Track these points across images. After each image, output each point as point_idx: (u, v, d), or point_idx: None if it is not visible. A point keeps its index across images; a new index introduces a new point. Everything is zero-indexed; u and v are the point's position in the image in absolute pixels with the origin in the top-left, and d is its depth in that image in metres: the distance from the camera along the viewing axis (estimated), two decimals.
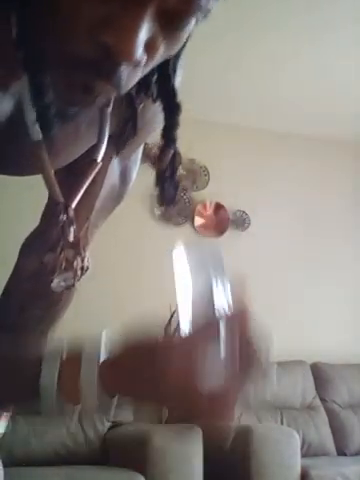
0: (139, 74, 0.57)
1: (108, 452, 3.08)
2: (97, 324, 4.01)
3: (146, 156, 3.48)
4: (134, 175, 0.88)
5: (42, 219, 0.86)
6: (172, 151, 0.71)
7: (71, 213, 0.71)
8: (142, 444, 2.74)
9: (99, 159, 0.73)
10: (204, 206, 4.05)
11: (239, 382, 0.51)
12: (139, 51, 0.52)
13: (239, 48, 3.30)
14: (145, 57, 0.54)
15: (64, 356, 0.53)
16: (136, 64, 0.54)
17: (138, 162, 0.87)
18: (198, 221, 4.02)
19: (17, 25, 0.55)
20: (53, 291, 0.85)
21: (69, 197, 0.71)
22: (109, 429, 3.17)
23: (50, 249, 0.72)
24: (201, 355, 0.50)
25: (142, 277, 3.78)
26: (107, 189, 0.83)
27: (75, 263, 0.72)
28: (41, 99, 0.58)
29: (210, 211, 4.07)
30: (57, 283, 0.73)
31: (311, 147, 4.36)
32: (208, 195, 4.07)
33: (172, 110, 0.68)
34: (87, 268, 0.74)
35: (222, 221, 4.07)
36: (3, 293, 0.86)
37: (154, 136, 0.83)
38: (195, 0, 0.52)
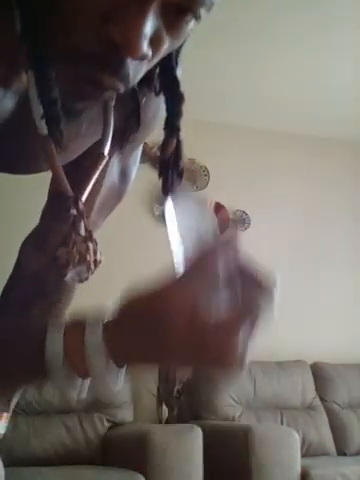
0: (145, 68, 0.58)
1: (108, 452, 3.08)
2: None
3: (146, 156, 3.48)
4: (133, 174, 0.88)
5: (42, 218, 0.86)
6: (175, 140, 0.71)
7: (81, 206, 0.71)
8: (142, 444, 2.74)
9: (106, 153, 0.74)
10: None
11: (243, 307, 0.50)
12: (144, 46, 0.52)
13: (239, 48, 3.30)
14: (150, 51, 0.54)
15: (68, 323, 0.53)
16: (142, 58, 0.54)
17: (137, 161, 0.87)
18: None
19: (21, 21, 0.56)
20: (53, 290, 0.85)
21: (78, 191, 0.71)
22: (109, 429, 3.17)
23: (62, 243, 0.72)
24: (200, 286, 0.49)
25: (142, 277, 3.77)
26: (107, 188, 0.83)
27: (88, 256, 0.72)
28: (48, 94, 0.58)
29: (210, 211, 4.06)
30: (71, 277, 0.73)
31: (311, 147, 4.36)
32: (208, 195, 4.07)
33: (175, 99, 0.69)
34: (100, 261, 0.73)
35: (222, 221, 4.07)
36: (3, 293, 0.86)
37: (154, 136, 0.84)
38: None
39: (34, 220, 0.87)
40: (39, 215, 0.87)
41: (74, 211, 0.70)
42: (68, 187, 0.69)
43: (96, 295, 3.61)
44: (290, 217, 4.20)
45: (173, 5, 0.53)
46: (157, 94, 0.70)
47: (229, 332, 0.49)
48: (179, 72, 0.69)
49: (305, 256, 4.18)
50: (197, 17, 0.55)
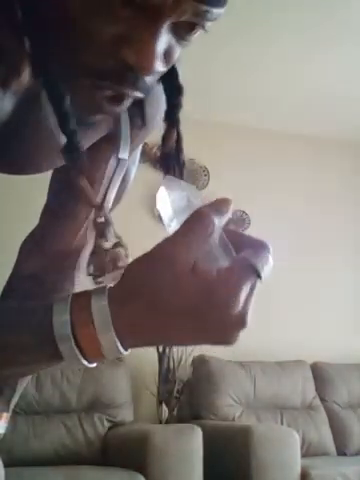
0: (159, 74, 0.60)
1: (108, 452, 3.08)
2: None
3: (146, 156, 3.48)
4: (133, 175, 0.88)
5: (41, 218, 0.86)
6: (176, 132, 0.71)
7: (107, 214, 0.72)
8: (142, 444, 2.74)
9: (121, 156, 0.75)
10: None
11: (242, 265, 0.51)
12: (159, 64, 0.55)
13: (239, 48, 3.31)
14: (164, 66, 0.57)
15: (73, 295, 0.53)
16: (157, 73, 0.57)
17: (137, 162, 0.88)
18: None
19: (30, 40, 0.57)
20: (53, 290, 0.85)
21: (103, 199, 0.72)
22: (109, 429, 3.17)
23: (93, 252, 0.72)
24: (197, 241, 0.50)
25: None
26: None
27: (121, 262, 0.72)
28: (67, 124, 0.59)
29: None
30: (107, 284, 0.73)
31: (311, 147, 4.36)
32: (208, 195, 4.07)
33: (174, 91, 0.70)
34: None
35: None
36: (3, 292, 0.86)
37: (154, 136, 0.84)
38: (206, 13, 0.54)
39: (34, 220, 0.87)
40: (37, 215, 0.87)
41: (101, 219, 0.71)
42: (93, 197, 0.70)
43: None
44: (290, 217, 4.20)
45: (184, 23, 0.55)
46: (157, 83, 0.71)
47: (232, 286, 0.49)
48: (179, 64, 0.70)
49: (305, 256, 4.18)
50: (205, 29, 0.58)
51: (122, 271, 0.68)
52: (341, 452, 3.56)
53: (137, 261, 0.53)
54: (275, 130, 4.23)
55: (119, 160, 0.75)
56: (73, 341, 0.50)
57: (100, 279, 0.72)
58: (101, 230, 0.71)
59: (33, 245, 0.86)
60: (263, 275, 0.52)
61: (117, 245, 0.72)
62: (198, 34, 0.59)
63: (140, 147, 0.86)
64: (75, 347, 0.50)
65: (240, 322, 0.51)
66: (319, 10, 2.93)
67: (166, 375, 3.38)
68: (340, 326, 4.16)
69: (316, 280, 4.18)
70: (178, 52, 0.58)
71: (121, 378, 3.30)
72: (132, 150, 0.83)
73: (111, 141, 0.77)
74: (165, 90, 0.70)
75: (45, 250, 0.82)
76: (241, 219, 4.10)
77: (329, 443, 3.54)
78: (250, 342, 3.81)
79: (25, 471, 2.64)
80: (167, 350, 3.42)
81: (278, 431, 3.10)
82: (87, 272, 0.74)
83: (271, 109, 4.01)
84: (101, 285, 0.53)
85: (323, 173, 4.38)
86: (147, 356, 3.36)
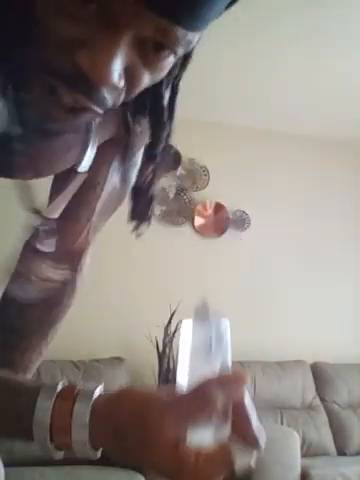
0: (123, 96, 0.57)
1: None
2: (97, 323, 4.01)
3: None
4: (134, 177, 0.88)
5: None
6: (152, 168, 0.70)
7: (52, 225, 0.71)
8: None
9: (80, 169, 0.73)
10: (204, 206, 4.06)
11: (228, 449, 0.51)
12: (114, 76, 0.52)
13: (239, 48, 3.30)
14: (122, 82, 0.54)
15: (60, 392, 0.54)
16: (113, 88, 0.54)
17: (138, 164, 0.88)
18: (198, 221, 4.02)
19: None
20: (55, 293, 0.85)
21: (52, 208, 0.72)
22: None
23: (26, 258, 0.72)
24: (192, 415, 0.50)
25: (142, 277, 3.78)
26: (108, 192, 0.83)
27: (48, 273, 0.73)
28: (13, 114, 0.58)
29: (210, 211, 4.07)
30: (18, 293, 0.74)
31: (311, 147, 4.36)
32: (208, 195, 4.08)
33: (158, 128, 0.69)
34: (57, 280, 0.74)
35: (222, 221, 4.07)
36: (4, 295, 0.87)
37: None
38: (171, 33, 0.52)
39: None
40: None
41: (42, 227, 0.71)
42: (34, 204, 0.70)
43: (97, 295, 3.61)
44: (290, 217, 4.20)
45: (148, 40, 0.53)
46: (144, 117, 0.70)
47: (206, 474, 0.50)
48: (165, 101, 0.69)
49: (305, 256, 4.19)
50: (175, 54, 0.55)
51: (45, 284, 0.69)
52: (341, 452, 3.56)
53: (132, 398, 0.53)
54: (275, 130, 4.23)
55: (76, 173, 0.73)
56: (48, 431, 0.52)
57: (16, 288, 0.73)
58: (38, 237, 0.71)
59: (34, 247, 0.86)
60: (237, 474, 0.52)
61: (53, 256, 0.72)
62: (169, 61, 0.56)
63: (141, 150, 0.86)
64: (48, 436, 0.52)
65: None
66: (319, 10, 2.93)
67: (166, 375, 3.38)
68: (340, 326, 4.16)
69: (316, 280, 4.18)
70: (146, 76, 0.56)
71: (121, 378, 3.30)
72: (133, 155, 0.83)
73: (75, 155, 0.75)
74: (151, 124, 0.69)
75: (46, 252, 0.83)
76: (241, 219, 4.10)
77: (329, 443, 3.54)
78: (250, 342, 3.83)
79: (25, 471, 2.63)
80: (167, 350, 3.42)
81: (278, 431, 3.10)
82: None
83: (271, 109, 4.01)
84: (88, 390, 0.54)
85: (323, 173, 4.38)
86: (147, 356, 3.36)
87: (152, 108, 0.67)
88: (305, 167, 4.34)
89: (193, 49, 0.62)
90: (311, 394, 3.71)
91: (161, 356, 3.41)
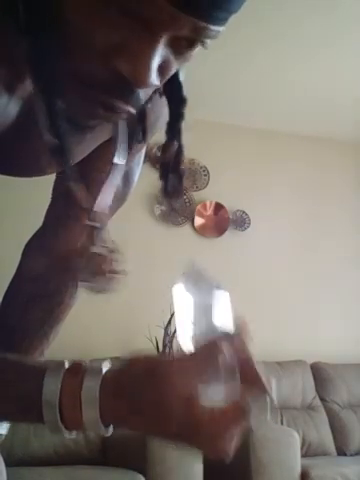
0: (153, 89, 0.59)
1: (108, 452, 3.08)
2: (97, 323, 4.00)
3: (146, 156, 3.48)
4: (137, 176, 0.88)
5: (45, 220, 0.86)
6: (177, 144, 0.71)
7: (97, 218, 0.71)
8: (142, 444, 2.74)
9: (117, 160, 0.74)
10: (204, 206, 4.05)
11: (240, 402, 0.51)
12: (153, 78, 0.53)
13: (239, 48, 3.30)
14: (159, 80, 0.55)
15: (67, 369, 0.53)
16: (150, 88, 0.56)
17: (141, 164, 0.88)
18: (198, 221, 4.02)
19: (29, 43, 0.55)
20: (56, 292, 0.85)
21: (93, 202, 0.72)
22: None
23: (78, 254, 0.72)
24: (202, 373, 0.50)
25: (142, 276, 3.78)
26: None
27: (105, 267, 0.72)
28: (54, 118, 0.58)
29: (210, 211, 4.07)
30: (90, 287, 0.73)
31: (311, 147, 4.36)
32: (208, 195, 4.08)
33: (178, 102, 0.69)
34: (122, 271, 0.74)
35: (222, 221, 4.07)
36: (5, 295, 0.87)
37: (154, 137, 0.84)
38: (205, 30, 0.53)
39: (36, 221, 0.87)
40: (42, 216, 0.87)
41: (89, 222, 0.71)
42: (84, 201, 0.70)
43: (96, 295, 3.60)
44: (290, 217, 4.20)
45: (182, 38, 0.54)
46: (161, 96, 0.70)
47: (221, 429, 0.50)
48: (182, 75, 0.70)
49: (305, 256, 4.19)
50: (205, 46, 0.56)
51: (112, 279, 0.69)
52: (341, 452, 3.55)
53: (141, 363, 0.53)
54: (275, 130, 4.23)
55: (114, 165, 0.74)
56: (58, 410, 0.51)
57: (88, 284, 0.73)
58: (89, 234, 0.71)
59: (36, 247, 0.86)
60: (253, 424, 0.52)
61: (107, 250, 0.72)
62: (197, 51, 0.57)
63: (144, 149, 0.86)
64: (59, 416, 0.51)
65: (221, 453, 0.52)
66: (319, 10, 2.93)
67: None
68: (340, 326, 4.16)
69: (316, 280, 4.18)
70: (174, 67, 0.57)
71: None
72: (135, 153, 0.83)
73: (109, 146, 0.76)
74: (169, 102, 0.69)
75: (48, 252, 0.83)
76: (241, 219, 4.10)
77: (329, 443, 3.54)
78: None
79: (25, 471, 2.64)
80: (167, 350, 3.42)
81: (278, 431, 3.10)
82: (71, 275, 0.74)
83: (271, 109, 4.01)
84: (96, 365, 0.54)
85: (323, 173, 4.38)
86: None
87: (168, 84, 0.67)
88: (305, 167, 4.34)
89: None
90: (311, 394, 3.71)
91: None
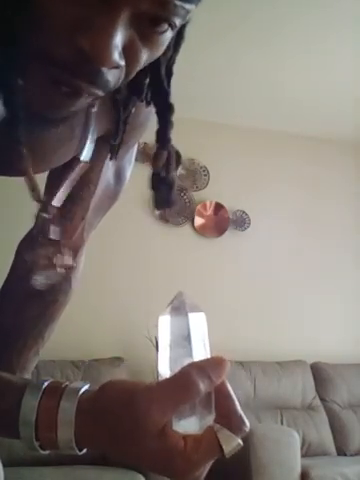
0: (123, 76, 0.57)
1: None
2: (97, 323, 4.00)
3: (146, 156, 3.48)
4: (128, 174, 0.88)
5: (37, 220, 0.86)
6: (166, 152, 0.70)
7: (53, 211, 0.71)
8: None
9: (82, 158, 0.73)
10: (204, 206, 4.06)
11: (214, 432, 0.51)
12: (115, 55, 0.51)
13: (239, 48, 3.30)
14: (123, 61, 0.54)
15: (46, 388, 0.53)
16: (114, 67, 0.54)
17: (132, 162, 0.87)
18: (198, 221, 4.02)
19: None
20: (50, 291, 0.85)
21: (50, 196, 0.71)
22: None
23: (31, 247, 0.72)
24: (177, 403, 0.50)
25: (142, 277, 3.78)
26: (102, 189, 0.83)
27: (55, 260, 0.72)
28: (12, 102, 0.57)
29: (210, 211, 4.07)
30: (39, 280, 0.73)
31: (311, 147, 4.36)
32: (208, 195, 4.08)
33: (165, 111, 0.68)
34: (70, 265, 0.74)
35: (222, 221, 4.07)
36: (0, 293, 0.86)
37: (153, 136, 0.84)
38: (168, 4, 0.52)
39: (29, 220, 0.87)
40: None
41: (44, 215, 0.70)
42: (39, 192, 0.68)
43: (96, 295, 3.61)
44: (290, 217, 4.20)
45: (145, 15, 0.52)
46: (148, 104, 0.69)
47: (193, 463, 0.50)
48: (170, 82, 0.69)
49: (305, 256, 4.19)
50: (172, 27, 0.55)
51: (60, 271, 0.68)
52: (341, 452, 3.56)
53: (117, 389, 0.52)
54: (275, 130, 4.23)
55: (78, 161, 0.73)
56: (34, 429, 0.52)
57: (35, 276, 0.73)
58: (41, 227, 0.71)
59: (29, 245, 0.86)
60: (227, 455, 0.52)
61: (54, 243, 0.72)
62: (166, 36, 0.55)
63: (135, 147, 0.86)
64: (34, 434, 0.52)
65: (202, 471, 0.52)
66: (319, 9, 2.93)
67: None
68: (340, 326, 4.16)
69: (316, 280, 4.19)
70: (144, 53, 0.56)
71: (121, 378, 3.30)
72: (126, 151, 0.83)
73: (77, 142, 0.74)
74: (156, 110, 0.69)
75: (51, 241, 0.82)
76: (241, 219, 4.11)
77: (329, 443, 3.54)
78: (250, 342, 3.83)
79: (25, 471, 2.63)
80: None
81: (278, 431, 3.10)
82: (22, 266, 0.74)
83: (271, 109, 4.01)
84: (75, 386, 0.54)
85: (323, 173, 4.38)
86: (147, 356, 3.36)
87: (154, 92, 0.67)
88: (305, 167, 4.34)
89: (185, 29, 0.62)
90: (311, 394, 3.71)
91: None
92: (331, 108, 3.95)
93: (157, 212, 3.87)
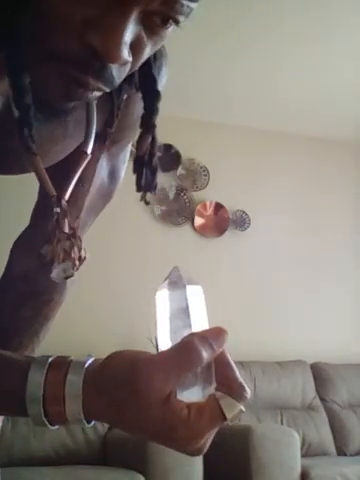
0: (128, 70, 0.58)
1: (108, 452, 3.08)
2: (97, 323, 4.01)
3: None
4: (122, 173, 0.88)
5: (32, 218, 0.86)
6: (150, 137, 0.71)
7: (64, 205, 0.71)
8: (142, 444, 2.74)
9: (88, 151, 0.74)
10: (204, 206, 4.06)
11: (217, 400, 0.52)
12: (125, 53, 0.53)
13: (239, 48, 3.30)
14: (131, 57, 0.55)
15: (51, 363, 0.53)
16: (123, 64, 0.55)
17: (126, 161, 0.87)
18: (198, 221, 4.02)
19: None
20: (45, 289, 0.85)
21: (61, 190, 0.72)
22: (109, 429, 3.17)
23: (47, 241, 0.72)
24: (179, 371, 0.50)
25: (142, 277, 3.78)
26: (96, 188, 0.83)
27: (72, 253, 0.72)
28: (22, 99, 0.58)
29: (210, 211, 4.07)
30: (57, 274, 0.73)
31: (311, 147, 4.36)
32: (208, 195, 4.08)
33: (152, 97, 0.70)
34: (84, 258, 0.74)
35: (222, 221, 4.07)
36: None
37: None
38: (176, 4, 0.53)
39: (26, 220, 0.87)
40: (29, 215, 0.87)
41: (57, 209, 0.71)
42: (51, 187, 0.69)
43: (96, 294, 3.61)
44: (290, 217, 4.20)
45: (154, 13, 0.54)
46: (137, 90, 0.70)
47: (196, 431, 0.51)
48: (161, 73, 0.71)
49: (305, 256, 4.19)
50: (178, 24, 0.56)
51: (73, 265, 0.69)
52: (341, 452, 3.56)
53: (121, 359, 0.53)
54: (275, 130, 4.23)
55: (82, 153, 0.74)
56: (42, 404, 0.52)
57: (50, 268, 0.73)
58: (56, 220, 0.71)
59: (24, 245, 0.86)
60: (229, 421, 0.52)
61: (71, 237, 0.72)
62: (170, 30, 0.57)
63: (129, 146, 0.86)
64: (42, 410, 0.52)
65: (196, 453, 0.53)
66: (319, 9, 2.93)
67: None
68: (340, 326, 4.16)
69: (316, 280, 4.18)
70: (147, 46, 0.57)
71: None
72: (120, 149, 0.83)
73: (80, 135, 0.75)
74: (143, 96, 0.70)
75: (36, 250, 0.82)
76: (241, 219, 4.11)
77: (329, 443, 3.54)
78: (250, 342, 3.83)
79: (25, 471, 2.64)
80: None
81: (278, 431, 3.10)
82: (40, 260, 0.74)
83: (271, 109, 4.01)
84: (80, 360, 0.54)
85: (323, 173, 4.38)
86: None
87: (142, 79, 0.68)
88: (305, 167, 4.34)
89: None
90: (311, 394, 3.71)
91: None
92: (331, 108, 3.95)
93: (158, 211, 3.87)
